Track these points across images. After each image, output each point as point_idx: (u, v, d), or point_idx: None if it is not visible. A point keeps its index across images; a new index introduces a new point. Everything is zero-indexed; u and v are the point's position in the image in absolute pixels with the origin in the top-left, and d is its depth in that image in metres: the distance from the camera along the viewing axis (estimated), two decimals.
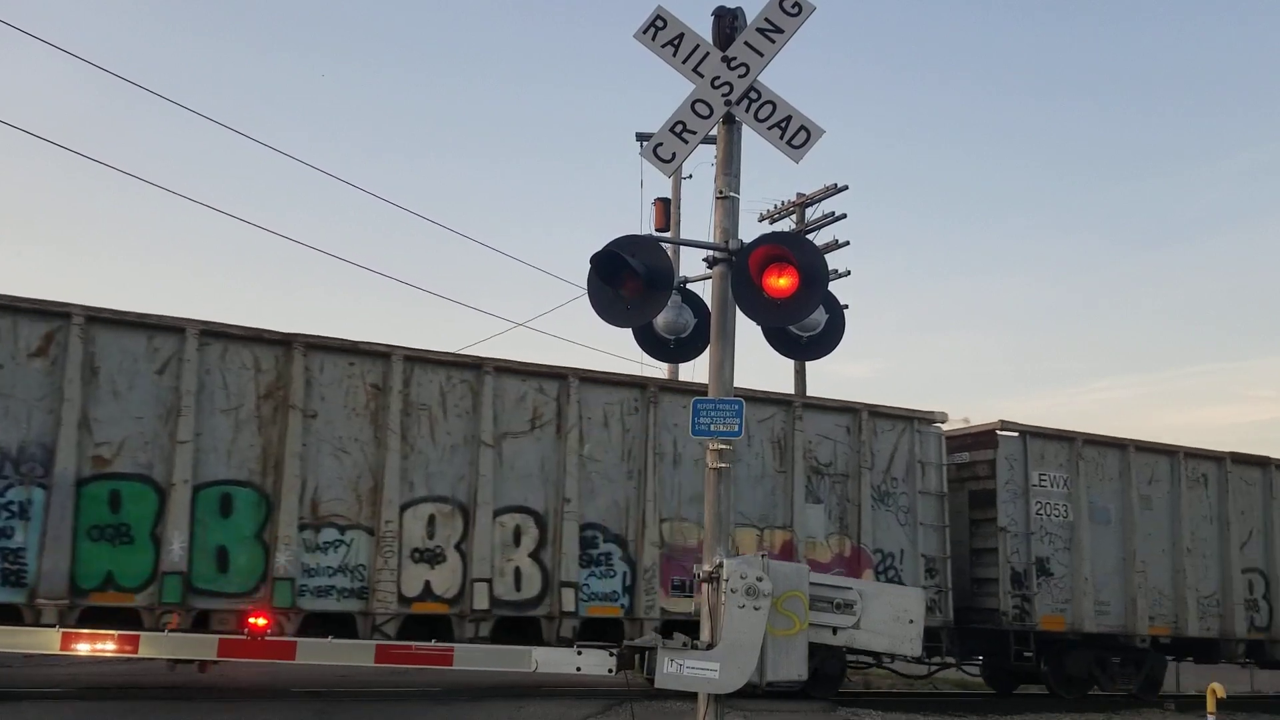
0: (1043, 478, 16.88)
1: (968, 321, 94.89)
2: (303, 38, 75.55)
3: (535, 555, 13.21)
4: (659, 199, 22.25)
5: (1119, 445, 17.53)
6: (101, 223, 74.14)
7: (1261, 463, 18.88)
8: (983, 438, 17.19)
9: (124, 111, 73.87)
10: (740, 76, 7.45)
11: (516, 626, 12.99)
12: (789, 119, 7.37)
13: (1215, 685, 9.76)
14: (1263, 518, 18.75)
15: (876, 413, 15.86)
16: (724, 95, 7.44)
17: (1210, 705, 9.44)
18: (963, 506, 17.28)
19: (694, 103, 7.51)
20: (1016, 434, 16.88)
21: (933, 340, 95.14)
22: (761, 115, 7.40)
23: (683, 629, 13.07)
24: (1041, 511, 16.74)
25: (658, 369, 19.29)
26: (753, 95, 7.43)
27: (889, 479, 15.89)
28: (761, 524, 14.72)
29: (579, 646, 7.82)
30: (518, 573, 13.09)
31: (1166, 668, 17.90)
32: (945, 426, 16.92)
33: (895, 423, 16.05)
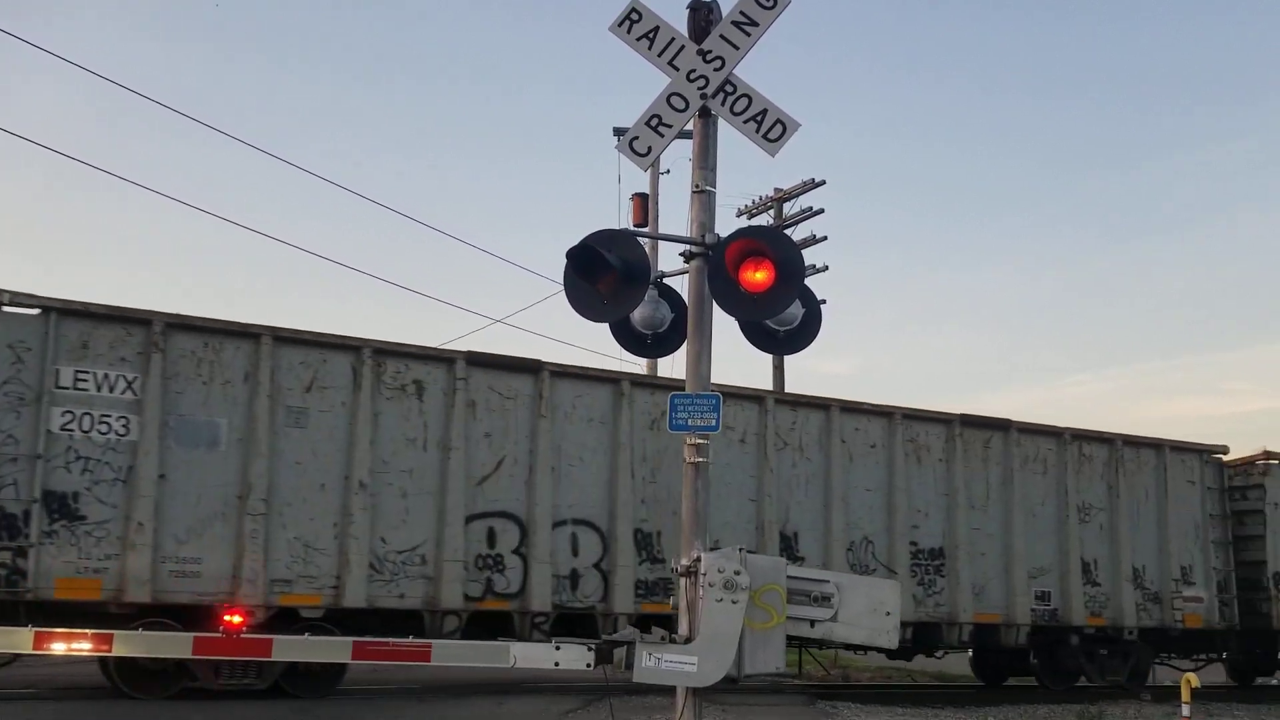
0: (82, 377, 11.66)
1: (950, 317, 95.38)
2: (284, 40, 75.12)
3: None
4: (636, 194, 22.26)
5: (300, 343, 12.66)
6: (82, 225, 73.55)
7: (531, 368, 13.76)
8: None
9: (107, 111, 73.34)
10: (716, 70, 7.44)
11: None
12: (765, 112, 7.37)
13: (1190, 675, 9.85)
14: (529, 443, 13.55)
15: None
16: (699, 89, 7.43)
17: (1185, 695, 9.51)
18: None
19: (669, 96, 7.50)
20: (36, 310, 11.61)
21: (914, 336, 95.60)
22: (737, 109, 7.40)
23: None
24: (73, 425, 11.56)
25: (636, 364, 19.29)
26: (728, 88, 7.43)
27: None
28: None
29: (557, 642, 7.79)
30: None
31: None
32: None
33: None
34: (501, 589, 13.20)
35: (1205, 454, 18.96)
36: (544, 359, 13.93)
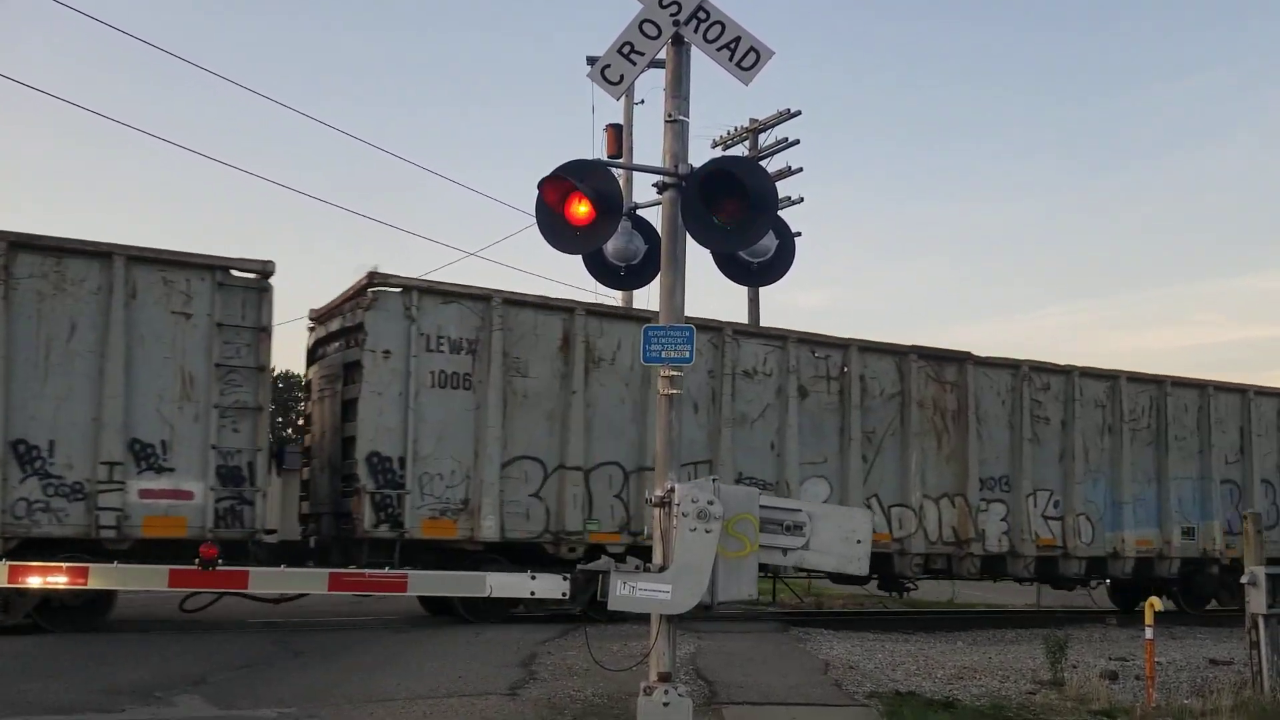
0: None
1: (925, 248, 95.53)
2: None
3: None
4: (610, 125, 21.99)
5: None
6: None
7: None
8: None
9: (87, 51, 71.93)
10: None
11: None
12: (738, 40, 7.25)
13: (1154, 599, 10.05)
14: None
15: None
16: (672, 15, 7.30)
17: (1148, 618, 9.71)
18: None
19: (641, 23, 7.36)
20: None
21: (889, 268, 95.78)
22: (710, 36, 7.28)
23: None
24: None
25: (611, 297, 19.20)
26: (701, 15, 7.29)
27: None
28: None
29: (532, 571, 7.87)
30: None
31: None
32: None
33: None
34: None
35: (219, 270, 12.66)
36: None
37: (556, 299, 14.78)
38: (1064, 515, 17.70)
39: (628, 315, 15.48)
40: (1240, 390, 19.89)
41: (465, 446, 13.78)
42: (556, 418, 14.32)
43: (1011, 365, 17.56)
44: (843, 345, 16.34)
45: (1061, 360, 18.85)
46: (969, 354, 17.18)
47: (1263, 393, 20.17)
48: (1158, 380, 19.01)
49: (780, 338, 15.95)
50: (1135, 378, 18.77)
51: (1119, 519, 18.16)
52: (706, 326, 15.08)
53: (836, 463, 16.05)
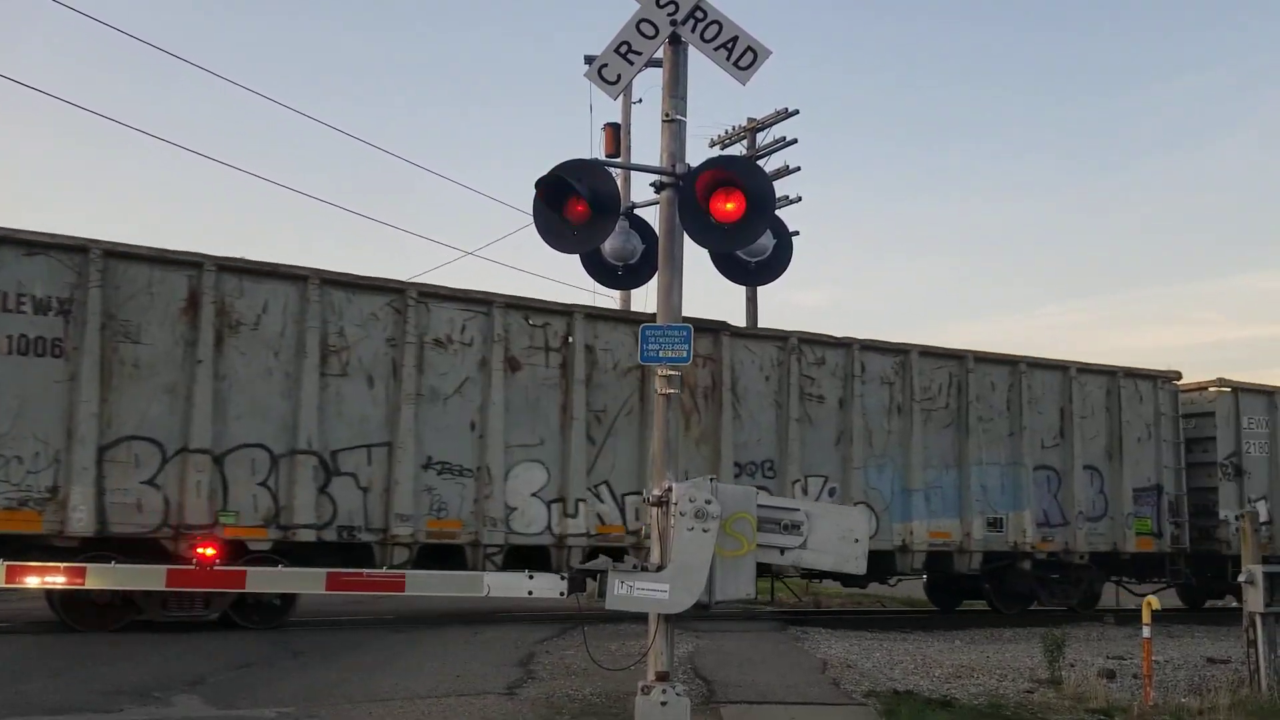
0: None
1: (925, 247, 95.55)
2: None
3: None
4: (608, 124, 21.99)
5: None
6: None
7: None
8: None
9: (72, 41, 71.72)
10: None
11: None
12: (735, 39, 7.26)
13: (1151, 598, 10.05)
14: None
15: None
16: (669, 14, 7.31)
17: (1145, 617, 9.72)
18: None
19: (639, 22, 7.37)
20: None
21: (887, 267, 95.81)
22: (707, 35, 7.29)
23: None
24: None
25: (610, 297, 19.21)
26: (698, 14, 7.30)
27: None
28: None
29: (530, 571, 7.86)
30: None
31: None
32: None
33: None
34: None
35: None
36: None
37: (177, 251, 12.40)
38: (841, 504, 15.80)
39: (275, 273, 12.87)
40: (1061, 367, 18.18)
41: (54, 424, 11.63)
42: (179, 392, 12.17)
43: (778, 337, 15.97)
44: (565, 312, 14.45)
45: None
46: (725, 324, 15.59)
47: (1087, 370, 18.46)
48: (958, 356, 17.27)
49: (484, 302, 13.95)
50: (930, 352, 17.06)
51: (909, 508, 16.46)
52: (385, 288, 13.45)
53: (556, 445, 14.11)
